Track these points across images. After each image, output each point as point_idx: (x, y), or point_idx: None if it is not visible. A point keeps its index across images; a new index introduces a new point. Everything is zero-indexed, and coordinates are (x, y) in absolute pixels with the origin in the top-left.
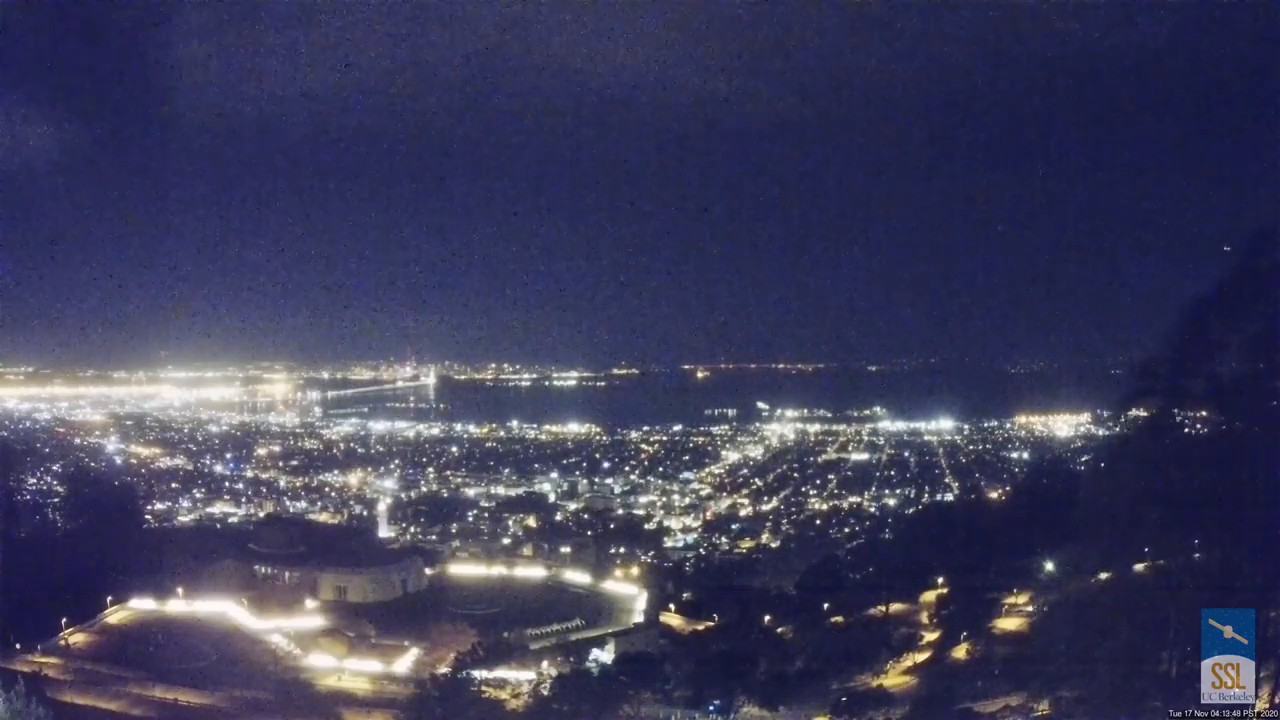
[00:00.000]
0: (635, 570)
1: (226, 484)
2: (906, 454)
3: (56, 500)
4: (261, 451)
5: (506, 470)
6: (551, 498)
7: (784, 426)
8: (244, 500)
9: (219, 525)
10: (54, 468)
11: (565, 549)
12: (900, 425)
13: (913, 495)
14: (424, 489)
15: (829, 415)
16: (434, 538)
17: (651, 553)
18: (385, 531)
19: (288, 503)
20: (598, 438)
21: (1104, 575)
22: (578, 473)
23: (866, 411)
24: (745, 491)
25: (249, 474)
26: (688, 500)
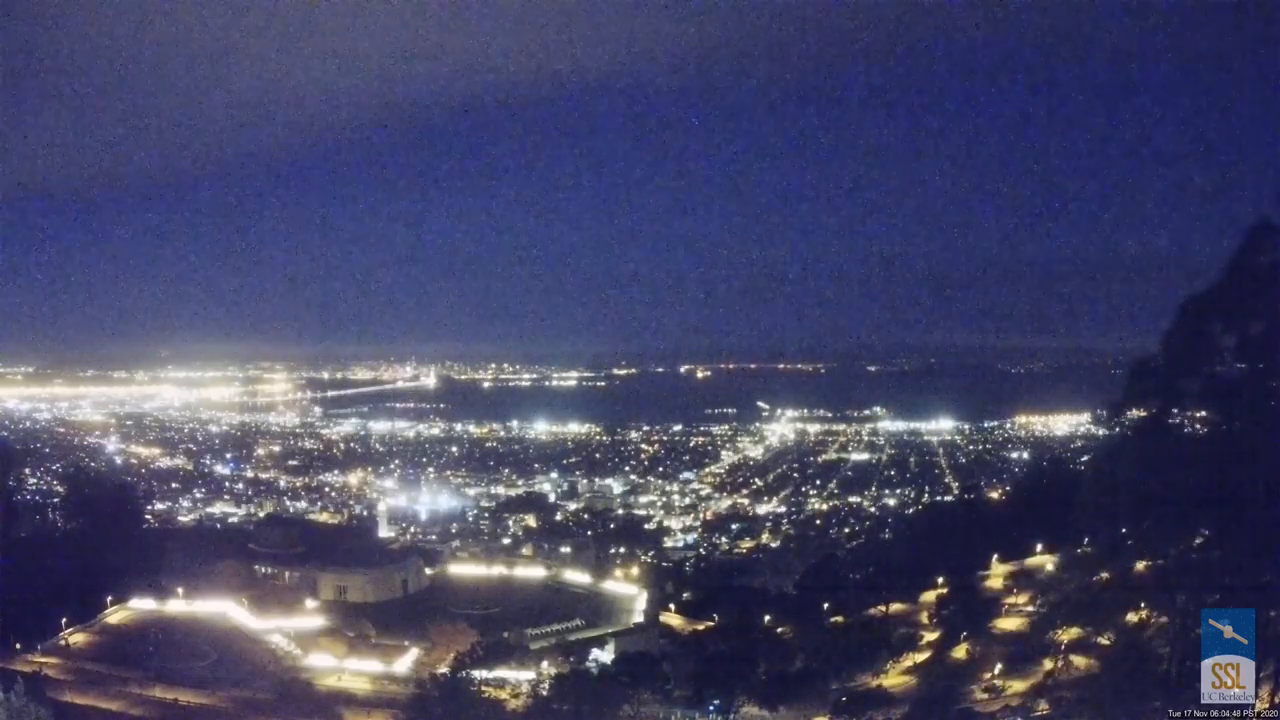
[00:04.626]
0: (635, 570)
1: (226, 484)
2: (906, 454)
3: (56, 500)
4: (261, 451)
5: (506, 470)
6: (551, 498)
7: (784, 426)
8: (244, 500)
9: (219, 525)
10: (54, 468)
11: (565, 549)
12: (900, 425)
13: (913, 495)
14: (424, 489)
15: (829, 415)
16: (434, 538)
17: (651, 553)
18: (385, 531)
19: (288, 503)
20: (598, 438)
21: (1104, 575)
22: (578, 473)
23: (866, 411)
24: (745, 491)
25: (249, 474)
26: (688, 500)
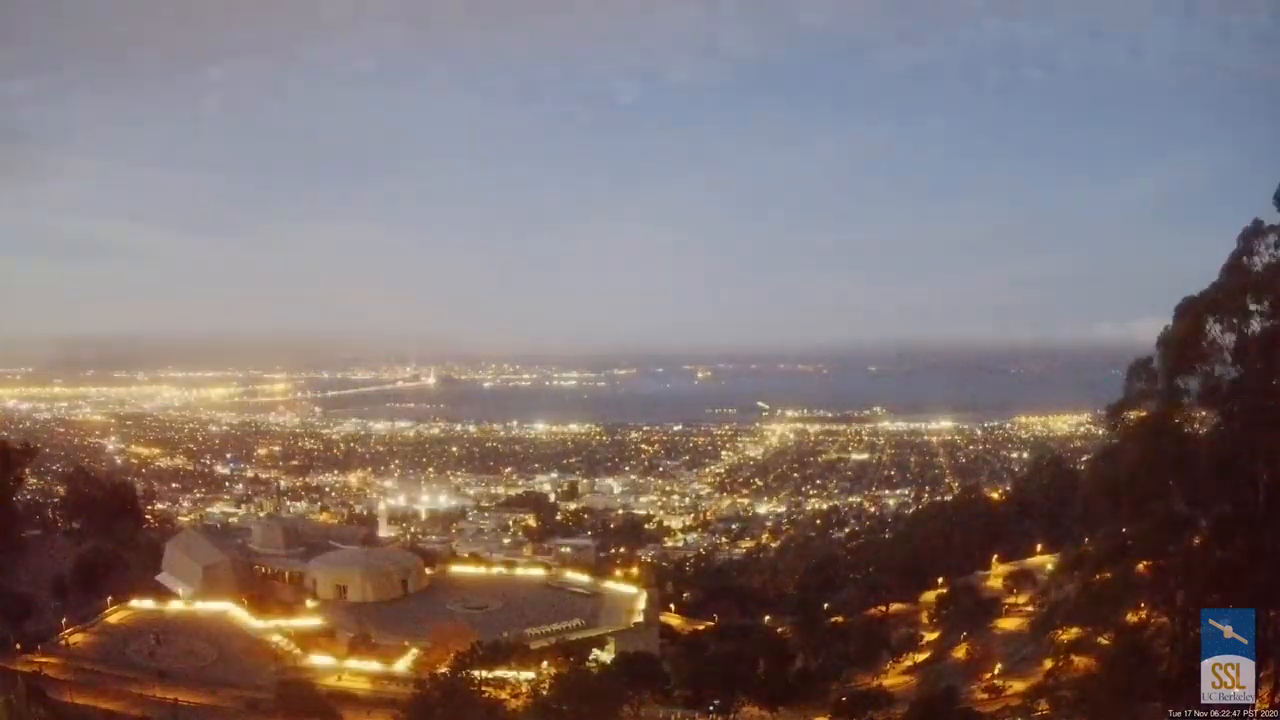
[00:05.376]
0: (635, 570)
1: (227, 484)
2: (906, 453)
3: (56, 500)
4: (261, 451)
5: (507, 470)
6: (551, 497)
7: (784, 426)
8: (244, 500)
9: (219, 525)
10: (54, 467)
11: (565, 548)
12: (900, 425)
13: (913, 495)
14: (424, 488)
15: (829, 415)
16: (434, 537)
17: (651, 553)
18: (385, 531)
19: (288, 503)
20: (598, 437)
21: (1104, 575)
22: (578, 472)
23: (866, 411)
24: (745, 491)
25: (249, 474)
26: (688, 500)
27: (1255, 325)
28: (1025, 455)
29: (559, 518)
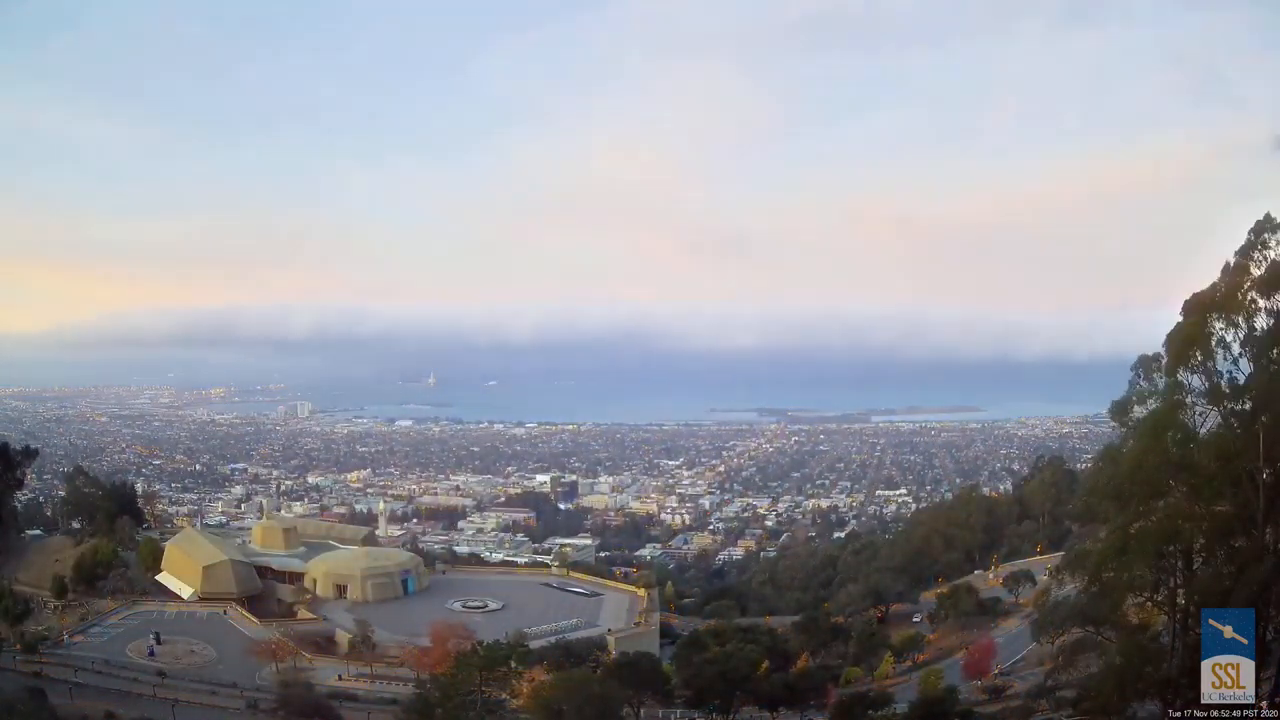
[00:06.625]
0: (635, 570)
1: (226, 484)
2: (908, 452)
3: (57, 500)
4: (262, 451)
5: (508, 469)
6: (552, 496)
7: (785, 425)
8: (244, 500)
9: (219, 525)
10: (54, 467)
11: (566, 548)
12: (901, 423)
13: (913, 495)
14: (424, 488)
15: (830, 415)
16: (435, 537)
17: (651, 553)
18: (385, 531)
19: (288, 502)
20: (599, 437)
21: (1105, 574)
22: (577, 473)
23: (868, 410)
24: (746, 491)
25: (249, 472)
26: (688, 499)
27: (1259, 322)
28: (1026, 453)
29: (559, 517)
